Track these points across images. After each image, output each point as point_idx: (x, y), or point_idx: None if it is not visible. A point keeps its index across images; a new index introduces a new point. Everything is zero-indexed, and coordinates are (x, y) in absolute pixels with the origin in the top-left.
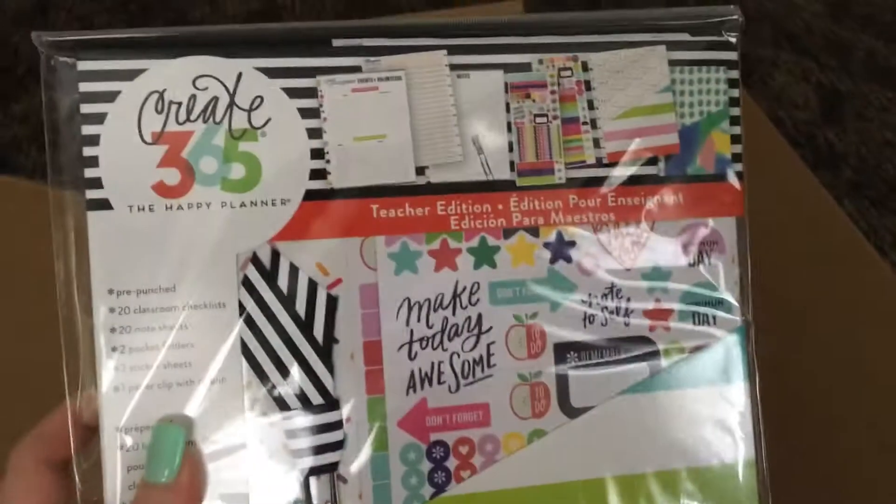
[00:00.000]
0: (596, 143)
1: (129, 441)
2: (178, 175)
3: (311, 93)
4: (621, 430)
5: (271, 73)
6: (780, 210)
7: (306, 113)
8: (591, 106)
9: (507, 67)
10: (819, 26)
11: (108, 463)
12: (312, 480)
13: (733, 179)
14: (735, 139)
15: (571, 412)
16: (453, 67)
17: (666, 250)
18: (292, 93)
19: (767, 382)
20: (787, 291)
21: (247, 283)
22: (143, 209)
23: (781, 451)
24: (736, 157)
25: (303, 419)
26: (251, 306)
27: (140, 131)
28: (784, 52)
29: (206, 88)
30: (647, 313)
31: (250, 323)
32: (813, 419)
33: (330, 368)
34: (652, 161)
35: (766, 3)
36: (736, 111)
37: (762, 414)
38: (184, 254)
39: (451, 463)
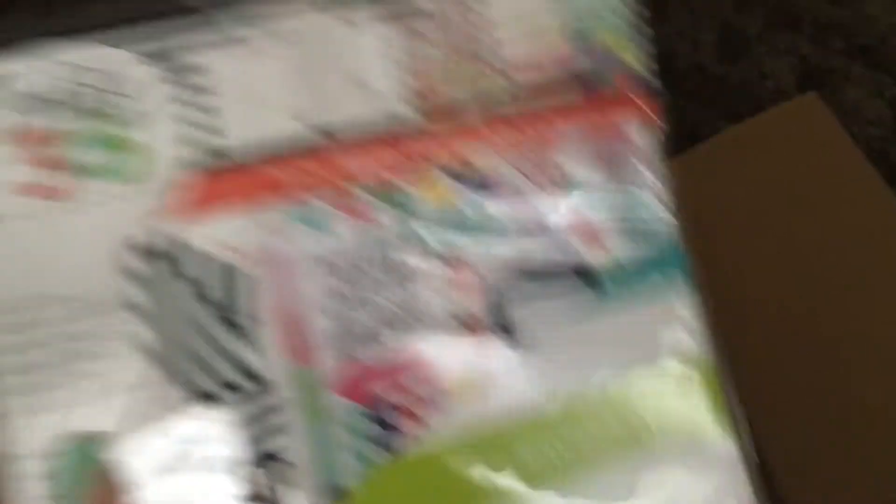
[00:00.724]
0: (503, 72)
1: (37, 468)
2: (58, 174)
3: (199, 69)
4: (570, 357)
5: (154, 56)
6: (857, 231)
7: (196, 90)
8: (491, 34)
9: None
10: (894, 39)
11: (15, 495)
12: (256, 470)
13: (646, 89)
14: (642, 53)
15: (517, 348)
16: (343, 21)
17: (588, 168)
18: (178, 72)
19: (834, 405)
20: (863, 313)
21: (147, 277)
22: (19, 216)
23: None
24: (645, 69)
25: (234, 410)
26: (154, 302)
27: (11, 131)
28: (857, 64)
29: (84, 79)
30: (580, 236)
31: (157, 320)
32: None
33: (252, 350)
34: (563, 82)
35: (837, 12)
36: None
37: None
38: (74, 257)
39: (400, 421)
